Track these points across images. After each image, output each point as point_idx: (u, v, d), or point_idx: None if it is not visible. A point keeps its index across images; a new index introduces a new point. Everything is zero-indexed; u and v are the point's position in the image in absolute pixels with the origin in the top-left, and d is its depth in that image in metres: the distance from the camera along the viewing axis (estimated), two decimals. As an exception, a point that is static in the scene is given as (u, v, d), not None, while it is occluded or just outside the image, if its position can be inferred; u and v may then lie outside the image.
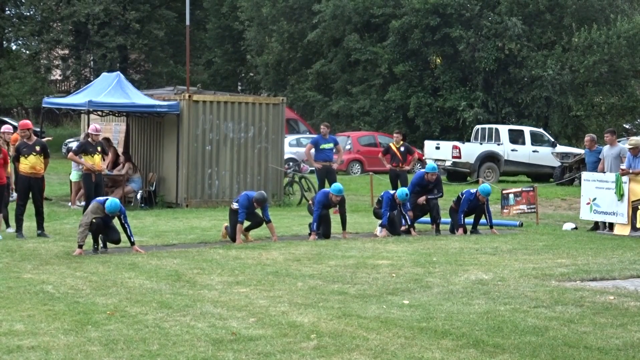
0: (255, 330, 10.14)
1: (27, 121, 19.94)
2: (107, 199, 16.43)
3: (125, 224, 16.45)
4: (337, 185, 19.42)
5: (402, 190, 19.86)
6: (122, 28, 56.84)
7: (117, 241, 16.73)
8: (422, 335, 10.00)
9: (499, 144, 38.49)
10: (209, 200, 26.13)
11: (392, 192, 19.99)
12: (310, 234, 18.94)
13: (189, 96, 26.24)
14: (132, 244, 16.56)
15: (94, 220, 16.34)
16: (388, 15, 50.77)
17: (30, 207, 19.01)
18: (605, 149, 21.59)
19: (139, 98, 26.44)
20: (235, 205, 18.31)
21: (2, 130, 20.88)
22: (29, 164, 18.74)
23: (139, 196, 26.07)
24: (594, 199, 21.07)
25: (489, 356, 9.17)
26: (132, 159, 27.13)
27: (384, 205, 19.82)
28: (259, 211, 18.54)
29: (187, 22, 32.46)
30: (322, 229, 18.98)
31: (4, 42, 59.91)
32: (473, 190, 20.23)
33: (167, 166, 26.55)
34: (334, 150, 25.12)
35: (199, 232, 19.75)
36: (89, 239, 16.53)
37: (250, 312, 11.14)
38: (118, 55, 57.55)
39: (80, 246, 16.24)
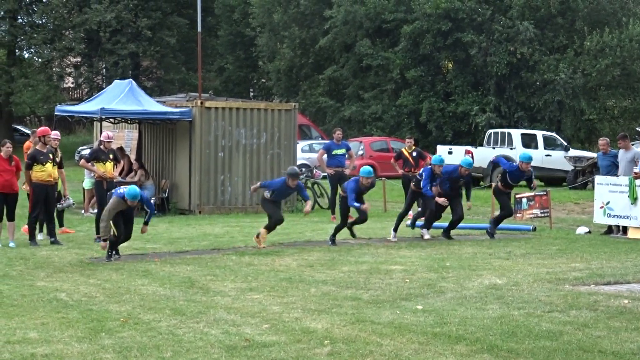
0: (269, 337, 10.13)
1: (47, 127, 19.87)
2: (125, 191, 16.26)
3: (148, 209, 16.56)
4: (365, 167, 19.30)
5: (437, 157, 20.36)
6: (134, 35, 56.97)
7: (129, 237, 16.75)
8: (435, 340, 9.97)
9: (511, 148, 38.38)
10: (221, 206, 26.15)
11: (430, 166, 19.98)
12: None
13: (201, 103, 26.27)
14: (145, 224, 16.71)
15: (113, 234, 16.30)
16: (399, 21, 50.78)
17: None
18: (620, 153, 21.55)
19: (151, 105, 26.47)
20: (267, 194, 18.40)
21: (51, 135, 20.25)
22: (47, 171, 18.72)
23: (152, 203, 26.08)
24: (608, 203, 21.02)
25: (503, 361, 9.15)
26: (145, 165, 27.16)
27: (425, 179, 19.74)
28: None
29: (199, 29, 32.50)
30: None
31: (17, 51, 60.05)
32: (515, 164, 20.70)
33: (179, 173, 26.57)
34: (346, 156, 25.09)
35: (212, 239, 19.74)
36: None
37: (264, 318, 11.14)
38: (130, 63, 57.66)
39: (105, 240, 16.19)
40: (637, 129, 48.62)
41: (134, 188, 16.33)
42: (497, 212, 21.02)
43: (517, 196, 23.17)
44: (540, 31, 48.95)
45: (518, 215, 22.84)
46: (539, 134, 39.72)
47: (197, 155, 25.87)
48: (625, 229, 20.75)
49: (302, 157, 37.92)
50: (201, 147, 25.87)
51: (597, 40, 47.32)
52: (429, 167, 20.32)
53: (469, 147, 38.71)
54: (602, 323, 10.76)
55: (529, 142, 38.82)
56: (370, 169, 19.36)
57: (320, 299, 12.41)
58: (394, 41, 51.78)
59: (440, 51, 50.44)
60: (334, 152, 24.73)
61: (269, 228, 18.44)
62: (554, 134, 41.28)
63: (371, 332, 10.37)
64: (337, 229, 19.23)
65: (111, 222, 16.29)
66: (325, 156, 25.01)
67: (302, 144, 40.62)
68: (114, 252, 16.62)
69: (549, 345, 9.71)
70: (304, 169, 31.67)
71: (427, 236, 19.94)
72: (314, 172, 30.02)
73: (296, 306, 11.89)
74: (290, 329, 10.50)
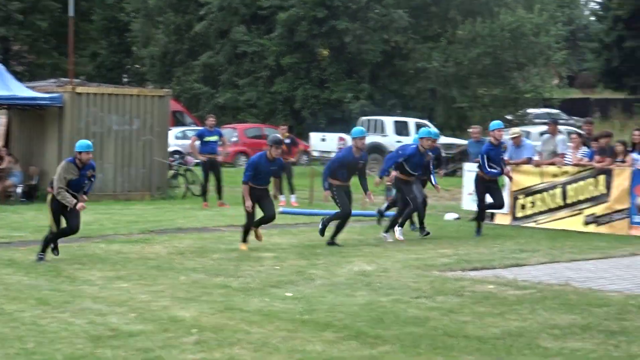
0: (136, 326, 9.99)
1: None
2: (74, 156, 14.72)
3: (92, 181, 15.08)
4: (357, 128, 17.54)
5: (425, 130, 18.24)
6: (4, 19, 55.75)
7: (76, 229, 14.86)
8: (304, 327, 9.96)
9: (384, 136, 38.76)
10: (92, 193, 25.60)
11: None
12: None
13: (73, 88, 25.82)
14: (85, 193, 15.04)
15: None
16: (275, 7, 50.78)
17: None
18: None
19: (20, 90, 25.90)
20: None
21: None
22: None
23: (19, 190, 25.52)
24: (476, 190, 21.34)
25: (370, 347, 9.16)
26: (13, 152, 26.58)
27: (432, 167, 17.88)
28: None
29: (71, 13, 31.92)
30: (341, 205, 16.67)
31: None
32: None
33: (49, 160, 26.01)
34: (220, 143, 24.98)
35: (81, 227, 19.35)
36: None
37: (131, 307, 10.98)
38: (0, 47, 56.40)
39: (75, 204, 14.58)
40: (507, 117, 49.64)
41: (85, 140, 14.98)
42: None
43: (388, 183, 23.35)
44: (415, 20, 49.48)
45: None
46: (411, 122, 40.18)
47: (67, 142, 25.36)
48: (492, 215, 21.10)
49: (175, 144, 37.67)
50: (71, 133, 25.39)
51: (469, 29, 48.07)
52: (413, 146, 17.81)
53: (342, 134, 38.92)
54: (468, 308, 10.90)
55: (401, 129, 39.23)
56: (362, 128, 17.55)
57: (190, 287, 12.30)
58: (270, 28, 51.75)
59: (316, 38, 50.58)
60: (207, 138, 24.60)
61: (247, 227, 16.33)
62: (426, 121, 41.78)
63: (240, 320, 10.32)
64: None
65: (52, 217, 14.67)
66: (198, 143, 24.86)
67: (175, 131, 40.36)
68: (52, 248, 14.97)
69: (416, 331, 9.79)
70: (176, 156, 31.45)
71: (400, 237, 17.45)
72: (187, 158, 29.84)
73: (164, 294, 11.76)
74: (157, 318, 10.37)
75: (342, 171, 16.65)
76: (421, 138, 17.64)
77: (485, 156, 18.35)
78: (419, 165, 17.52)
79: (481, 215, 18.77)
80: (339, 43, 50.01)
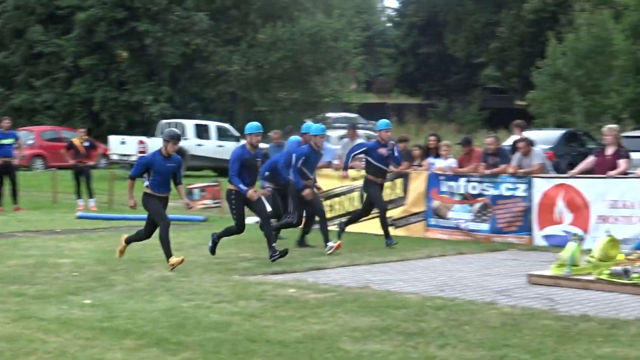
0: None
1: None
2: None
3: None
4: (252, 123, 16.29)
5: (319, 126, 16.82)
6: None
7: None
8: (103, 335, 9.77)
9: (184, 139, 38.54)
10: None
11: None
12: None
13: None
14: None
15: None
16: (74, 8, 49.92)
17: None
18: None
19: None
20: (146, 184, 14.78)
21: None
22: None
23: None
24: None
25: (171, 354, 9.05)
26: None
27: (290, 166, 16.67)
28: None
29: None
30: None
31: None
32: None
33: None
34: (15, 146, 24.35)
35: None
36: None
37: None
38: None
39: None
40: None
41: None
42: None
43: (189, 187, 23.29)
44: (215, 22, 49.49)
45: (190, 205, 22.95)
46: (212, 125, 40.16)
47: None
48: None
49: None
50: None
51: (270, 33, 48.44)
52: (306, 145, 16.71)
53: (142, 138, 38.52)
54: (270, 312, 10.92)
55: (201, 132, 39.16)
56: (258, 123, 16.12)
57: (-17, 296, 11.91)
58: (68, 28, 50.86)
59: (115, 40, 49.99)
60: (2, 141, 24.03)
61: (129, 241, 15.13)
62: (226, 125, 41.83)
63: (36, 328, 10.03)
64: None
65: None
66: (-8, 146, 24.15)
67: (-32, 133, 39.03)
68: None
69: (217, 336, 9.74)
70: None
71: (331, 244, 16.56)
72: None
73: (-44, 304, 11.35)
74: (-52, 329, 9.99)
75: (243, 172, 15.48)
76: (314, 135, 16.66)
77: (368, 150, 17.78)
78: (315, 165, 16.92)
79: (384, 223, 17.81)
80: (139, 45, 49.57)
